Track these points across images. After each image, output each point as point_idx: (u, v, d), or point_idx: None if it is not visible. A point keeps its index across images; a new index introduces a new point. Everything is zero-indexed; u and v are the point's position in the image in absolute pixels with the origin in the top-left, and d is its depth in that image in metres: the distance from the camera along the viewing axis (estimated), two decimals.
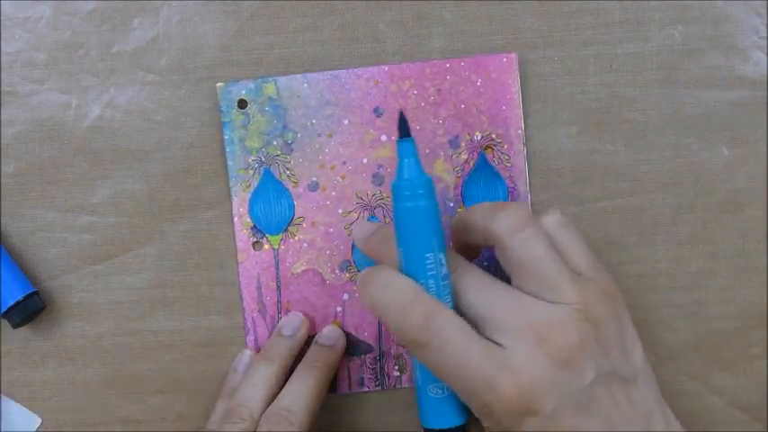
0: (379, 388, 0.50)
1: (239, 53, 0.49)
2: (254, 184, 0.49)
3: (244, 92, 0.49)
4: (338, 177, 0.49)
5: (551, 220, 0.43)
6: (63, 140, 0.50)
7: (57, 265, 0.50)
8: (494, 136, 0.49)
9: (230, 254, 0.50)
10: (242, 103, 0.49)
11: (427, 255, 0.41)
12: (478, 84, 0.49)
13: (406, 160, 0.41)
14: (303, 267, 0.49)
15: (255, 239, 0.49)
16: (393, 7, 0.49)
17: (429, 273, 0.41)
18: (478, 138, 0.49)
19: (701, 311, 0.50)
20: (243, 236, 0.49)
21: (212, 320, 0.50)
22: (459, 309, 0.41)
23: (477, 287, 0.41)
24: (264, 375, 0.47)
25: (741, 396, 0.50)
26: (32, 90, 0.50)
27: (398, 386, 0.50)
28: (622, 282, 0.45)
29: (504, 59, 0.49)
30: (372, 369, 0.50)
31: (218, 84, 0.49)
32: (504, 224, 0.41)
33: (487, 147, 0.49)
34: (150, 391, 0.50)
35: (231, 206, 0.49)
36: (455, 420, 0.42)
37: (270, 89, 0.49)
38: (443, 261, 0.41)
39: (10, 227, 0.50)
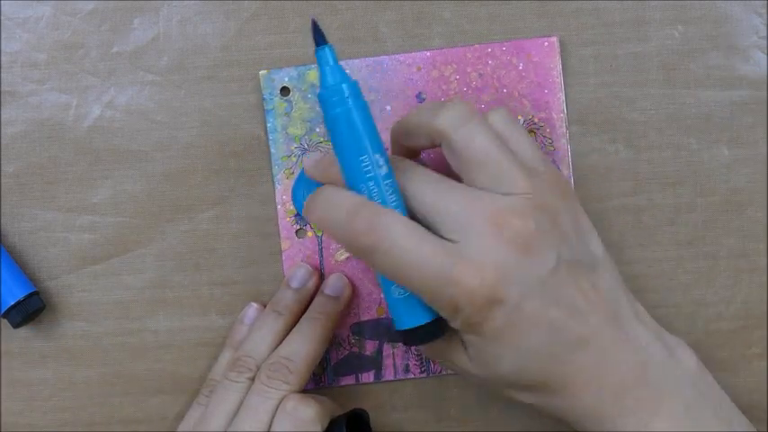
0: (424, 375, 0.50)
1: (239, 53, 0.49)
2: (297, 171, 0.49)
3: (286, 79, 0.49)
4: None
5: (497, 116, 0.43)
6: (63, 140, 0.50)
7: (57, 265, 0.50)
8: (536, 120, 0.49)
9: (231, 253, 0.50)
10: (285, 91, 0.49)
11: (362, 158, 0.40)
12: (520, 68, 0.49)
13: (327, 68, 0.40)
14: (347, 254, 0.49)
15: (299, 227, 0.49)
16: (393, 7, 0.49)
17: (367, 176, 0.40)
18: (521, 122, 0.49)
19: (700, 311, 0.50)
20: (286, 223, 0.49)
21: (212, 320, 0.50)
22: (411, 211, 0.41)
23: (427, 187, 0.41)
24: (272, 327, 0.47)
25: (741, 396, 0.49)
26: (32, 90, 0.50)
27: (444, 372, 0.49)
28: None
29: (546, 43, 0.49)
30: (418, 356, 0.50)
31: (261, 71, 0.49)
32: (448, 119, 0.41)
33: (530, 131, 0.49)
34: (150, 391, 0.50)
35: (273, 194, 0.49)
36: (426, 317, 0.41)
37: (312, 76, 0.49)
38: (381, 161, 0.40)
39: (10, 227, 0.50)
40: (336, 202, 0.40)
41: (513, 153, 0.41)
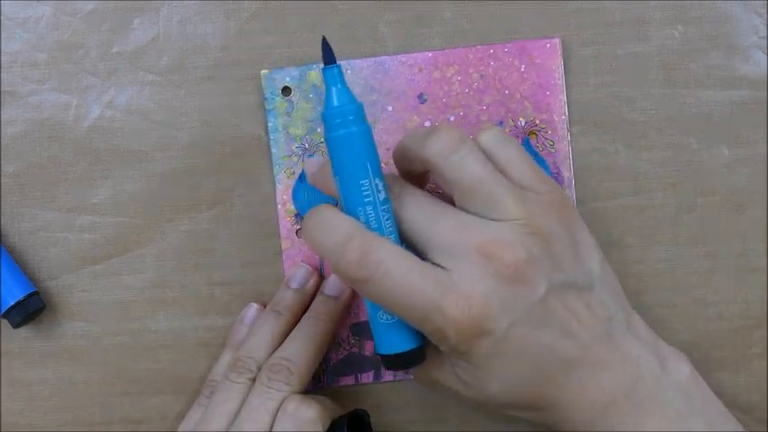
0: None
1: (239, 53, 0.49)
2: (298, 171, 0.49)
3: (288, 79, 0.49)
4: (382, 164, 0.49)
5: (488, 136, 0.42)
6: (63, 140, 0.50)
7: (57, 265, 0.50)
8: (537, 122, 0.49)
9: (231, 253, 0.50)
10: (286, 91, 0.49)
11: (362, 182, 0.40)
12: (522, 69, 0.49)
13: (333, 88, 0.40)
14: None
15: (299, 227, 0.49)
16: (393, 7, 0.49)
17: (366, 200, 0.40)
18: (522, 123, 0.49)
19: (700, 311, 0.50)
20: (286, 223, 0.49)
21: (212, 320, 0.50)
22: (403, 235, 0.41)
23: (420, 211, 0.41)
24: (272, 328, 0.47)
25: (741, 396, 0.50)
26: (32, 90, 0.50)
27: None
28: (622, 282, 0.45)
29: (548, 45, 0.49)
30: None
31: (263, 71, 0.49)
32: (436, 147, 0.41)
33: (531, 132, 0.49)
34: (150, 391, 0.50)
35: (274, 194, 0.49)
36: (409, 344, 0.42)
37: (314, 76, 0.49)
38: (381, 186, 0.40)
39: (10, 227, 0.50)
40: (331, 227, 0.40)
41: (505, 177, 0.41)
